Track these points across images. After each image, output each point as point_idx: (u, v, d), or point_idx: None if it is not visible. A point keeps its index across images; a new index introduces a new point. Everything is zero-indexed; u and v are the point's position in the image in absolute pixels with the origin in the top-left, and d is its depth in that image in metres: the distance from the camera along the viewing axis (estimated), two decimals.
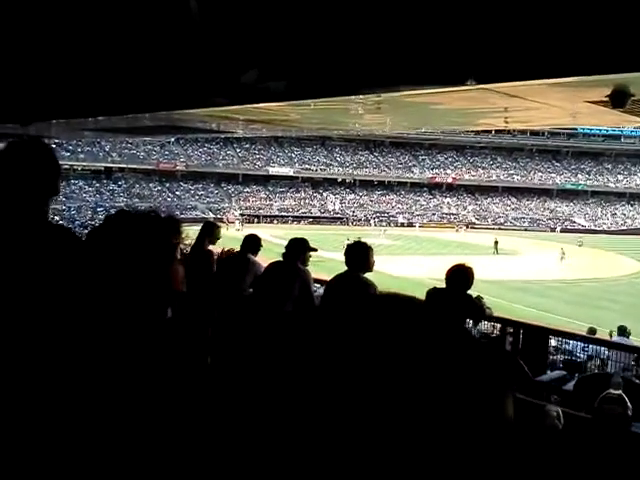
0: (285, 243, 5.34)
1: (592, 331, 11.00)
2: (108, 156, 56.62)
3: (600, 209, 68.20)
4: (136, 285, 1.10)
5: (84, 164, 54.57)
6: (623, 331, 11.39)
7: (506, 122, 4.66)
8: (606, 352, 7.08)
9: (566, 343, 8.62)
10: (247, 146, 64.98)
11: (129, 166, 58.08)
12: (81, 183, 54.17)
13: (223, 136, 47.72)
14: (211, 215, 54.34)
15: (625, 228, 63.43)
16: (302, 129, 6.32)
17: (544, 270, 32.42)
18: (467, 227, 57.34)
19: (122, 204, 49.88)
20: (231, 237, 6.30)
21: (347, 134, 55.38)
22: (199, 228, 6.33)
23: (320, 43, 2.56)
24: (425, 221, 61.07)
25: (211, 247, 6.05)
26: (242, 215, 53.92)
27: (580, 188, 69.46)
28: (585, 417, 1.98)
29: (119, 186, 57.38)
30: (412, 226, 57.99)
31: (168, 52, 2.99)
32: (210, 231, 6.15)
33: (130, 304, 1.09)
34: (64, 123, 5.84)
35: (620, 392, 1.95)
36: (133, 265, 1.12)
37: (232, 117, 4.27)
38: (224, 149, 64.00)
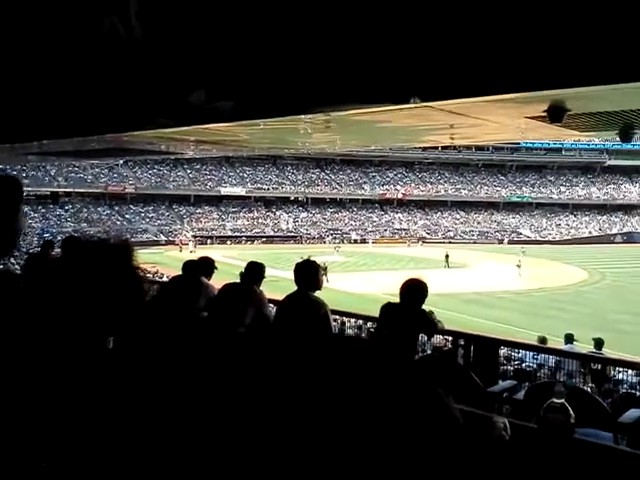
0: (239, 263, 5.31)
1: (542, 340, 11.27)
2: (54, 180, 55.20)
3: (545, 220, 70.37)
4: (76, 313, 1.09)
5: (29, 189, 53.01)
6: (570, 339, 11.72)
7: (452, 138, 4.79)
8: (554, 360, 7.28)
9: (516, 352, 8.82)
10: (198, 167, 64.48)
11: (76, 190, 56.73)
12: (26, 209, 52.53)
13: (173, 157, 47.22)
14: (163, 238, 53.53)
15: (569, 238, 65.58)
16: (253, 149, 6.33)
17: (494, 281, 33.12)
18: (420, 242, 58.18)
19: (70, 229, 48.58)
20: (184, 259, 6.19)
21: (298, 153, 55.67)
22: (150, 252, 6.25)
23: (267, 63, 2.58)
24: (378, 237, 61.71)
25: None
26: (195, 237, 53.31)
27: (525, 200, 71.58)
28: (531, 427, 2.03)
29: (66, 211, 55.95)
30: (365, 242, 58.49)
31: (114, 74, 2.97)
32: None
33: (66, 336, 1.07)
34: (7, 148, 5.69)
35: (562, 401, 2.01)
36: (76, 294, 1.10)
37: (181, 138, 4.25)
38: (174, 170, 63.32)
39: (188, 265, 5.77)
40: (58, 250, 6.68)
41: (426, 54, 2.04)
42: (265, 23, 2.55)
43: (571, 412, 1.99)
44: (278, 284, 8.45)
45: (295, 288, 4.68)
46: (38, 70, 3.56)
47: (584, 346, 12.01)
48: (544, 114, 2.24)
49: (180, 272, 5.90)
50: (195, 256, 6.27)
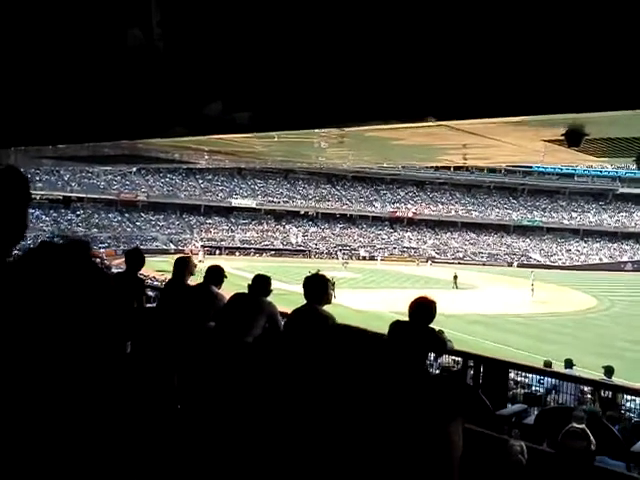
0: (247, 275, 5.31)
1: (547, 364, 11.19)
2: (67, 185, 55.65)
3: (555, 245, 70.02)
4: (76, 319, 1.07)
5: (42, 193, 53.45)
6: (569, 363, 11.70)
7: (465, 158, 4.77)
8: (562, 385, 7.20)
9: (524, 377, 8.74)
10: (209, 177, 64.83)
11: (89, 196, 57.14)
12: (38, 212, 52.95)
13: (185, 167, 47.56)
14: (172, 246, 53.71)
15: (579, 264, 65.20)
16: (265, 161, 6.34)
17: (503, 304, 32.93)
18: (429, 261, 58.00)
19: (81, 234, 48.89)
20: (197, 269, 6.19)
21: (310, 167, 55.89)
22: (158, 259, 6.26)
23: (285, 76, 2.59)
24: (386, 254, 61.60)
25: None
26: (203, 246, 53.44)
27: (536, 224, 71.32)
28: (548, 451, 1.98)
29: (77, 216, 56.33)
30: (374, 259, 58.39)
31: (132, 81, 2.98)
32: (187, 265, 6.02)
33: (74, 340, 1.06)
34: (22, 150, 5.74)
35: (583, 426, 1.97)
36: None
37: (196, 147, 4.27)
38: (186, 180, 63.68)
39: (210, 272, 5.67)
40: None
41: (444, 73, 2.03)
42: (285, 37, 2.56)
43: (592, 438, 1.94)
44: (286, 297, 8.43)
45: (304, 302, 4.66)
46: (55, 75, 3.59)
47: (586, 371, 11.88)
48: (562, 138, 2.22)
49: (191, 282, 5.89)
50: (204, 266, 6.26)
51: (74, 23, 3.13)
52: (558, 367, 11.76)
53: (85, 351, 1.04)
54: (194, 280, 5.92)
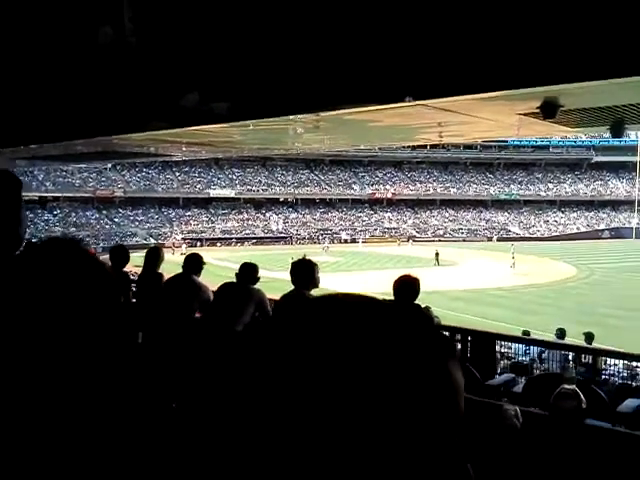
0: (231, 266, 5.32)
1: (526, 333, 11.57)
2: (42, 185, 54.81)
3: (533, 217, 70.80)
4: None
5: None
6: (562, 334, 11.90)
7: (441, 137, 4.80)
8: (549, 353, 7.34)
9: (509, 348, 8.91)
10: (187, 169, 64.27)
11: (64, 194, 56.36)
12: None
13: (162, 160, 47.08)
14: (152, 241, 53.32)
15: (558, 234, 66.05)
16: (243, 150, 6.31)
17: (484, 278, 33.28)
18: (410, 240, 58.33)
19: (58, 234, 48.28)
20: (178, 262, 6.18)
21: (287, 154, 55.68)
22: (139, 255, 6.26)
23: (258, 64, 2.58)
24: (368, 236, 61.79)
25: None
26: (184, 239, 53.13)
27: (513, 198, 71.98)
28: (541, 414, 2.03)
29: (54, 216, 55.58)
30: (355, 242, 58.55)
31: (105, 78, 2.95)
32: (157, 255, 6.09)
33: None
34: None
35: (574, 386, 2.02)
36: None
37: (172, 140, 4.24)
38: (163, 173, 63.08)
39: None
40: None
41: (419, 53, 2.04)
42: (256, 25, 2.55)
43: (582, 398, 2.00)
44: (271, 284, 8.45)
45: (289, 288, 4.68)
46: (26, 75, 3.54)
47: (569, 339, 12.12)
48: (537, 110, 2.25)
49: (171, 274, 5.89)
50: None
51: (45, 21, 3.07)
52: (539, 337, 12.01)
53: (99, 348, 1.05)
54: (173, 271, 5.93)
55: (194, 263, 5.65)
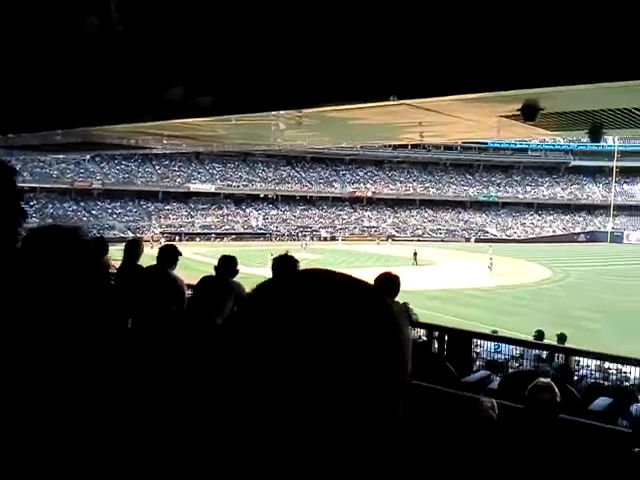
0: (209, 261, 5.30)
1: (494, 332, 11.88)
2: (19, 176, 53.91)
3: (510, 219, 71.57)
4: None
5: None
6: (541, 336, 12.12)
7: (422, 136, 4.84)
8: (526, 352, 7.46)
9: (481, 347, 9.06)
10: (167, 163, 63.76)
11: (42, 185, 55.54)
12: None
13: (141, 152, 46.62)
14: (130, 234, 52.79)
15: (534, 236, 66.87)
16: (225, 144, 6.29)
17: (461, 279, 33.57)
18: (389, 240, 58.59)
19: (34, 225, 47.51)
20: (152, 255, 6.12)
21: (269, 150, 55.53)
22: (117, 248, 6.21)
23: (244, 59, 2.58)
24: (347, 235, 61.92)
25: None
26: (162, 233, 52.73)
27: (491, 200, 72.69)
28: (517, 407, 2.07)
29: (31, 207, 54.70)
30: (335, 240, 58.65)
31: (90, 68, 2.92)
32: (137, 248, 6.04)
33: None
34: None
35: (549, 380, 2.06)
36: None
37: (154, 132, 4.21)
38: (142, 166, 62.50)
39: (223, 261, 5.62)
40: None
41: (404, 52, 2.06)
42: (242, 20, 2.55)
43: (557, 391, 2.04)
44: (250, 280, 8.41)
45: None
46: (7, 63, 3.49)
47: (545, 341, 12.33)
48: (518, 112, 2.29)
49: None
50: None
51: (28, 10, 3.03)
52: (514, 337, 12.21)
53: (90, 337, 1.06)
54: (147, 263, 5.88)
55: (169, 255, 5.57)
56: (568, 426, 2.16)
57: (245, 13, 2.52)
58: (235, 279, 5.29)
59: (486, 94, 1.95)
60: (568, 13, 1.67)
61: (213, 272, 5.31)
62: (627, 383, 7.13)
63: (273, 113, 3.03)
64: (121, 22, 2.56)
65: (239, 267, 5.48)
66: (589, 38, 1.63)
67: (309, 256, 40.79)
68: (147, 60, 2.68)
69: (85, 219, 55.23)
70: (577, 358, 7.89)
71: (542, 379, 2.00)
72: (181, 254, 5.74)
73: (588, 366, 7.78)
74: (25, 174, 54.34)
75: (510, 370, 7.00)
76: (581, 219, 73.06)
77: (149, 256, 7.03)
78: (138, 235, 50.99)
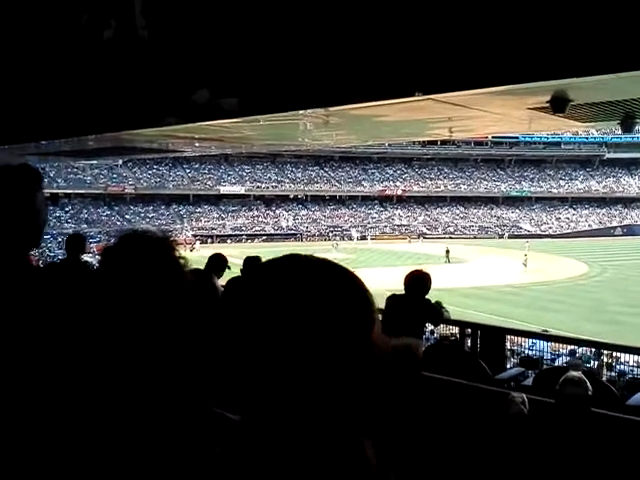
0: (240, 262, 5.35)
1: (545, 331, 11.46)
2: (53, 182, 55.15)
3: (545, 214, 70.37)
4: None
5: None
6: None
7: (451, 132, 4.79)
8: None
9: (519, 345, 8.90)
10: (197, 166, 64.49)
11: (76, 191, 56.75)
12: None
13: (172, 156, 47.21)
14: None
15: (569, 231, 65.65)
16: (253, 146, 6.33)
17: (496, 276, 33.15)
18: (420, 237, 58.19)
19: (70, 230, 48.62)
20: (193, 259, 6.18)
21: (297, 151, 55.71)
22: None
23: (270, 58, 2.59)
24: (378, 233, 61.70)
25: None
26: (194, 236, 53.34)
27: (524, 195, 71.57)
28: (548, 401, 2.04)
29: (66, 212, 55.97)
30: (365, 239, 58.50)
31: (117, 72, 2.97)
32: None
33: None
34: (5, 149, 5.69)
35: (580, 374, 2.02)
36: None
37: (183, 136, 4.26)
38: (173, 170, 63.34)
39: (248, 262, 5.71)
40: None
41: (428, 47, 2.04)
42: (266, 20, 2.56)
43: (588, 385, 2.00)
44: None
45: None
46: (37, 70, 3.57)
47: (584, 338, 12.08)
48: (547, 105, 2.24)
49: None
50: (199, 255, 6.27)
51: (55, 16, 3.10)
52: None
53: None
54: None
55: (217, 263, 5.70)
56: (601, 420, 2.11)
57: (269, 13, 2.53)
58: None
59: (512, 86, 1.92)
60: (592, 3, 1.63)
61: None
62: None
63: (300, 112, 3.04)
64: (146, 27, 2.60)
65: None
66: (615, 27, 1.59)
67: (339, 255, 40.84)
68: (172, 63, 2.71)
69: (118, 223, 56.19)
70: (616, 354, 7.73)
71: (573, 372, 1.96)
72: (229, 266, 5.83)
73: (627, 362, 7.60)
74: (59, 180, 55.57)
75: (545, 366, 6.89)
76: (617, 212, 71.43)
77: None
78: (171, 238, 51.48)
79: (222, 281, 5.90)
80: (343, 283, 0.74)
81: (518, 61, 1.84)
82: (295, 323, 0.68)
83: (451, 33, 1.96)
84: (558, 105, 2.21)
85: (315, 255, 0.79)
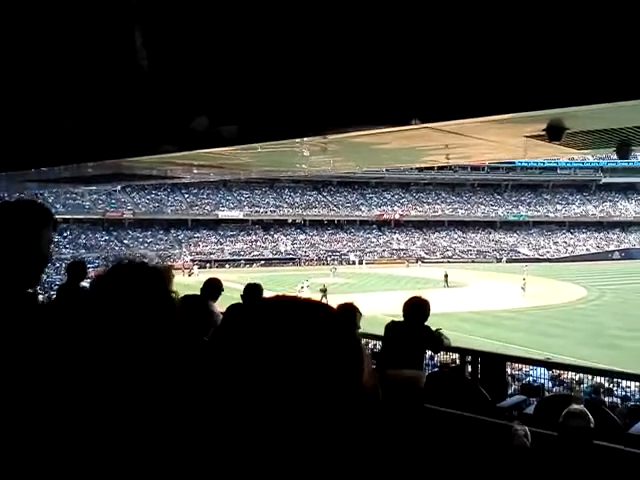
0: (239, 287, 5.34)
1: (548, 359, 11.44)
2: (52, 207, 55.11)
3: (542, 238, 70.53)
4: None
5: None
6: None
7: (447, 158, 4.82)
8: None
9: (519, 370, 8.84)
10: (195, 191, 64.72)
11: (74, 217, 56.80)
12: None
13: (171, 182, 47.42)
14: (161, 263, 53.31)
15: (567, 255, 65.72)
16: (251, 172, 6.36)
17: (495, 300, 33.08)
18: (419, 262, 58.17)
19: (68, 256, 48.56)
20: (185, 284, 6.18)
21: (295, 176, 55.96)
22: None
23: (267, 87, 2.62)
24: (376, 258, 61.71)
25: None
26: (193, 261, 53.30)
27: (522, 219, 71.82)
28: (550, 434, 2.02)
29: (64, 237, 55.95)
30: (360, 263, 58.46)
31: (116, 100, 3.00)
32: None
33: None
34: (4, 176, 5.71)
35: (582, 407, 2.01)
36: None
37: (182, 163, 4.28)
38: (172, 195, 63.54)
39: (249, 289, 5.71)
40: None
41: (425, 75, 2.07)
42: (264, 49, 2.59)
43: (590, 418, 1.98)
44: None
45: None
46: (37, 97, 3.60)
47: (583, 362, 12.00)
48: (543, 132, 2.26)
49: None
50: (197, 280, 6.25)
51: (56, 44, 3.14)
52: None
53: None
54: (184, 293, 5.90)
55: (212, 289, 5.68)
56: (604, 453, 2.09)
57: (268, 42, 2.57)
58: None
59: (508, 115, 1.94)
60: (587, 34, 1.66)
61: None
62: None
63: (297, 140, 3.06)
64: (146, 55, 2.63)
65: (268, 292, 5.51)
66: (610, 57, 1.62)
67: (338, 280, 40.74)
68: (171, 92, 2.74)
69: (117, 248, 56.16)
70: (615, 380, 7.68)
71: (575, 405, 1.95)
72: (223, 289, 5.82)
73: (629, 387, 7.55)
74: (58, 206, 55.64)
75: (547, 393, 6.84)
76: (615, 236, 71.61)
77: (182, 285, 7.12)
78: (169, 263, 51.59)
79: (219, 304, 5.88)
80: (333, 331, 0.74)
81: (515, 90, 1.86)
82: (288, 373, 0.69)
83: (448, 62, 1.99)
84: (554, 133, 2.22)
85: (307, 298, 0.80)
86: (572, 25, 1.73)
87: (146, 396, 1.06)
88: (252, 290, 5.36)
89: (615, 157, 3.13)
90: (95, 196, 58.83)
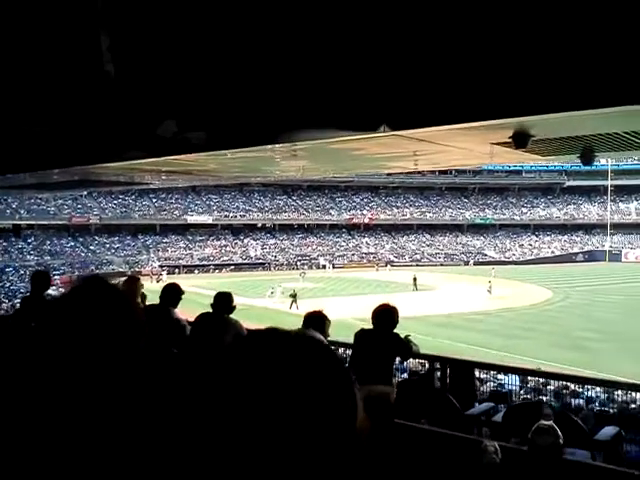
0: (208, 293, 5.28)
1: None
2: (16, 213, 54.04)
3: (508, 241, 71.63)
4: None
5: None
6: None
7: (416, 165, 4.86)
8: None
9: (486, 373, 8.94)
10: (163, 196, 63.98)
11: (39, 222, 55.60)
12: None
13: (138, 187, 46.75)
14: (128, 268, 52.69)
15: (532, 258, 66.87)
16: (220, 178, 6.32)
17: (463, 303, 33.44)
18: (388, 265, 58.51)
19: (33, 262, 47.52)
20: (154, 290, 6.08)
21: (265, 180, 55.72)
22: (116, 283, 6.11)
23: (236, 93, 2.60)
24: (346, 262, 61.87)
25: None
26: (161, 266, 52.67)
27: (488, 222, 72.87)
28: (520, 449, 2.04)
29: (29, 244, 54.72)
30: (333, 267, 58.56)
31: (82, 107, 2.95)
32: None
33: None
34: None
35: (551, 422, 2.04)
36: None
37: (150, 169, 4.23)
38: (140, 200, 62.69)
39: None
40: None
41: (394, 84, 2.09)
42: (232, 55, 2.58)
43: (559, 433, 2.01)
44: (248, 312, 8.37)
45: (267, 315, 4.65)
46: (2, 104, 3.52)
47: (552, 364, 12.21)
48: (509, 140, 2.30)
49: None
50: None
51: (20, 50, 3.07)
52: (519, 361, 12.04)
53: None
54: (153, 300, 5.82)
55: (172, 294, 5.52)
56: (572, 468, 2.13)
57: (236, 48, 2.56)
58: (233, 313, 5.26)
59: (475, 123, 1.97)
60: (552, 44, 1.69)
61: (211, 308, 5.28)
62: (634, 405, 7.05)
63: (268, 147, 3.05)
64: (112, 60, 2.59)
65: (239, 298, 5.47)
66: (575, 67, 1.65)
67: (308, 285, 40.66)
68: (138, 97, 2.71)
69: (83, 255, 55.15)
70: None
71: (544, 422, 1.98)
72: (184, 292, 5.67)
73: (594, 388, 7.69)
74: (22, 211, 54.46)
75: (515, 400, 6.92)
76: (578, 239, 73.15)
77: (150, 291, 7.02)
78: (137, 269, 50.85)
79: (184, 310, 5.78)
80: (332, 377, 0.73)
81: (482, 99, 1.89)
82: (286, 418, 0.68)
83: (417, 71, 2.01)
84: (520, 140, 2.26)
85: (301, 331, 0.80)
86: (538, 37, 1.76)
87: (111, 413, 1.04)
88: (222, 299, 5.27)
89: (579, 161, 3.20)
90: (60, 201, 57.66)
